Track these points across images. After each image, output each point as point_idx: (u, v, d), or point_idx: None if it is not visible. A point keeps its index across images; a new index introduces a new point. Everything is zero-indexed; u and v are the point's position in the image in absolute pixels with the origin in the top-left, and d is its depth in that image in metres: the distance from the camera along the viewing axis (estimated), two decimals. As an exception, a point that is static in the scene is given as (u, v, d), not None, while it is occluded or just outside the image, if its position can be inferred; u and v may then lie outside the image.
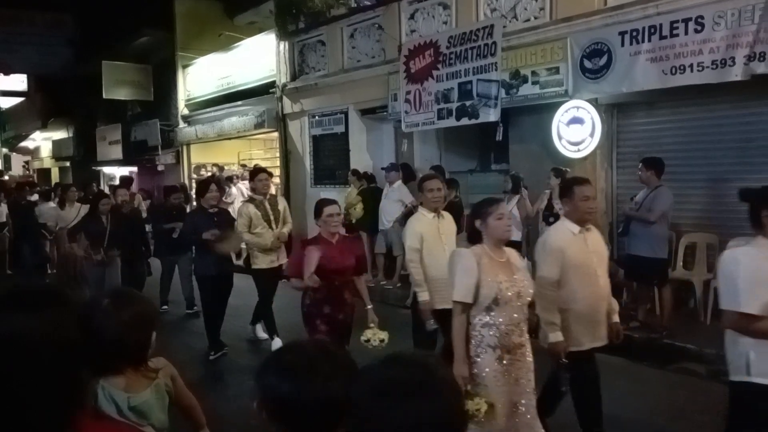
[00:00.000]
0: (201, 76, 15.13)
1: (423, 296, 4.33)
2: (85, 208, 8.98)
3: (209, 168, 15.14)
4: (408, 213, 8.68)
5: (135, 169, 18.11)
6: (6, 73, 21.41)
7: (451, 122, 8.63)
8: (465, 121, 8.41)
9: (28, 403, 1.11)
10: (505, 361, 3.16)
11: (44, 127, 22.98)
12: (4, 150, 26.90)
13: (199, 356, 6.14)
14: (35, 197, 11.97)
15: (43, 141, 25.12)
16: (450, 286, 3.30)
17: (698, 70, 6.15)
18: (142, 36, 16.19)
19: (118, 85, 16.67)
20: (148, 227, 8.56)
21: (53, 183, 19.40)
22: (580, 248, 3.57)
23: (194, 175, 15.32)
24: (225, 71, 14.12)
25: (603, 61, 6.95)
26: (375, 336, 4.14)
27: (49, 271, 10.86)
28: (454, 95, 8.48)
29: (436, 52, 8.67)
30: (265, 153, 14.98)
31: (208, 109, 14.73)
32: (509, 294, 3.14)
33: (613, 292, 3.89)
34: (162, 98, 16.41)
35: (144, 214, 9.60)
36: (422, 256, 4.39)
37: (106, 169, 20.20)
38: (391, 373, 1.16)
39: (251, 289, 6.44)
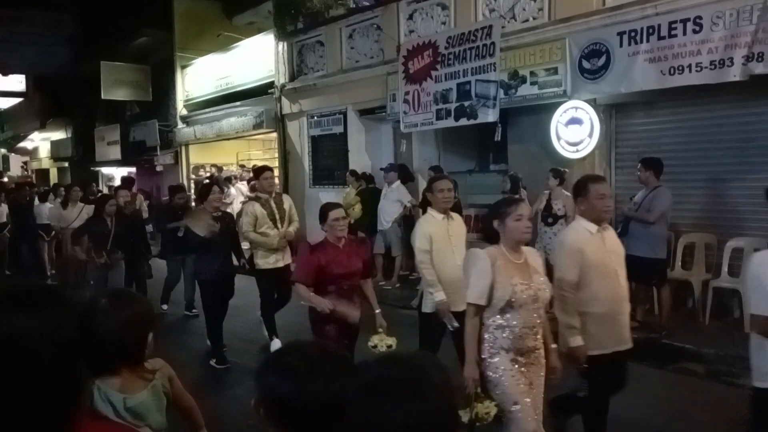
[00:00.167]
0: (200, 77, 15.13)
1: (439, 296, 4.23)
2: (87, 208, 8.98)
3: (208, 168, 15.14)
4: (408, 214, 8.76)
5: (134, 169, 18.08)
6: (4, 74, 21.35)
7: (450, 123, 8.64)
8: (464, 122, 8.42)
9: (27, 403, 1.11)
10: (516, 365, 3.09)
11: (43, 127, 22.94)
12: (3, 150, 26.87)
13: (199, 357, 6.11)
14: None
15: (41, 141, 25.08)
16: (464, 287, 3.22)
17: (697, 71, 6.16)
18: (141, 36, 16.18)
19: (117, 86, 16.66)
20: (148, 227, 8.54)
21: (52, 183, 19.38)
22: (598, 248, 3.44)
23: (193, 176, 15.33)
24: (224, 72, 14.12)
25: (601, 61, 6.96)
26: (382, 342, 4.08)
27: (49, 272, 10.83)
28: (452, 96, 8.49)
29: (435, 52, 8.68)
30: (263, 153, 14.98)
31: (206, 110, 14.73)
32: (524, 297, 3.04)
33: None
34: (161, 98, 16.41)
35: (145, 215, 9.59)
36: (431, 257, 4.31)
37: (105, 170, 20.19)
38: (384, 372, 1.15)
39: (252, 289, 6.41)
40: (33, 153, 26.63)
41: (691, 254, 6.67)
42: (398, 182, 8.71)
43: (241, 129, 13.27)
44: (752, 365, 2.76)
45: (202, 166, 15.46)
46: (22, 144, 26.07)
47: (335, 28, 10.95)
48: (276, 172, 12.07)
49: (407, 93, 9.09)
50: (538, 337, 3.17)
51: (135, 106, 18.01)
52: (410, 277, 9.07)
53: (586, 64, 7.14)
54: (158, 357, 2.19)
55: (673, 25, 6.32)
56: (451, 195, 4.44)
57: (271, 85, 12.24)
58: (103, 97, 16.66)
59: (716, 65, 6.02)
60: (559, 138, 7.58)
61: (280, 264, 6.15)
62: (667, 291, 6.15)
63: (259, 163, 12.29)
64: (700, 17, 6.13)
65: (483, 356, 3.13)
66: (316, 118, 11.53)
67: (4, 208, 11.18)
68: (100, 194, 11.56)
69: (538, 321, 3.14)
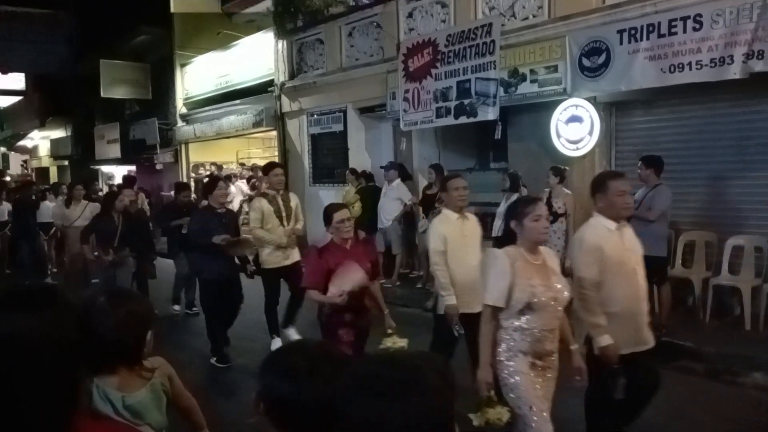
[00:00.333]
0: (199, 75, 15.12)
1: (450, 300, 4.16)
2: (90, 206, 8.97)
3: (208, 167, 15.12)
4: (408, 211, 8.76)
5: (133, 167, 18.09)
6: (4, 72, 21.36)
7: (450, 121, 8.63)
8: (463, 120, 8.41)
9: (27, 402, 1.10)
10: (534, 369, 3.03)
11: (42, 126, 22.95)
12: (2, 149, 26.88)
13: (199, 356, 6.10)
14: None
15: (41, 140, 25.07)
16: (482, 288, 3.16)
17: (697, 69, 6.15)
18: (141, 34, 16.18)
19: (116, 84, 16.66)
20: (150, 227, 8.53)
21: (51, 182, 19.37)
22: (616, 245, 3.36)
23: (192, 174, 15.32)
24: (223, 70, 14.11)
25: (601, 59, 6.95)
26: (395, 344, 4.03)
27: (50, 271, 10.82)
28: (452, 94, 8.48)
29: (435, 50, 8.67)
30: (263, 152, 14.98)
31: (206, 108, 14.72)
32: (544, 299, 2.98)
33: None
34: (160, 97, 16.41)
35: (147, 213, 9.57)
36: (446, 258, 4.24)
37: (105, 168, 20.18)
38: (378, 370, 1.14)
39: (252, 289, 6.38)
40: (33, 151, 26.63)
41: (691, 252, 6.67)
42: (398, 180, 8.70)
43: (240, 127, 13.26)
44: None
45: (202, 165, 15.45)
46: (21, 142, 26.08)
47: (335, 26, 10.94)
48: (278, 170, 12.15)
49: (407, 91, 9.09)
50: (556, 340, 3.10)
51: (134, 104, 18.01)
52: (410, 276, 9.09)
53: (586, 62, 7.13)
54: (158, 356, 2.18)
55: (673, 23, 6.32)
56: (466, 193, 4.36)
57: (270, 83, 12.24)
58: (102, 95, 16.67)
59: (716, 63, 6.02)
60: (559, 136, 7.58)
61: (288, 262, 6.06)
62: (667, 289, 6.14)
63: (259, 162, 12.33)
64: (700, 15, 6.12)
65: (500, 359, 3.06)
66: (315, 116, 11.52)
67: (6, 206, 11.16)
68: (106, 191, 11.52)
69: (557, 323, 3.08)
